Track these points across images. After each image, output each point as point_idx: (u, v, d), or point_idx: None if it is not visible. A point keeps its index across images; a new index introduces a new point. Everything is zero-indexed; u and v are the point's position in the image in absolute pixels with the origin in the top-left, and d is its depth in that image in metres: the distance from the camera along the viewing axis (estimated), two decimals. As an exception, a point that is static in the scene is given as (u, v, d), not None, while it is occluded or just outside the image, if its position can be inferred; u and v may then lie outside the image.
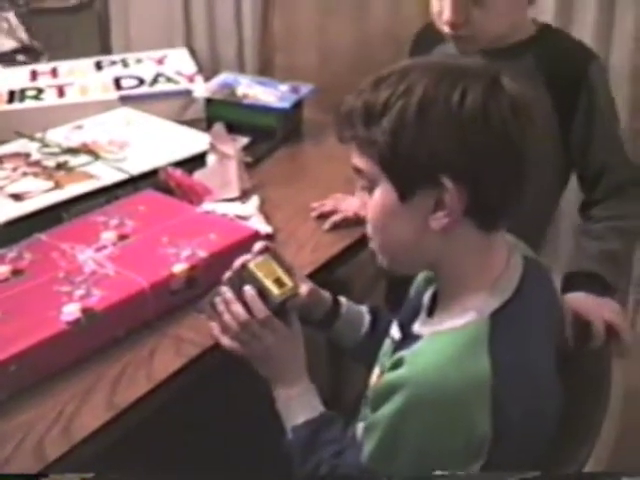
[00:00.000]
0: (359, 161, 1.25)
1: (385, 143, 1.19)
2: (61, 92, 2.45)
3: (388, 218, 1.25)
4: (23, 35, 2.89)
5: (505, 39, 1.80)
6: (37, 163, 2.02)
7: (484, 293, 1.25)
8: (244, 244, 1.58)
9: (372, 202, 1.26)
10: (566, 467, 1.31)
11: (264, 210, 1.90)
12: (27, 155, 2.06)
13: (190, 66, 2.62)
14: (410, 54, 2.03)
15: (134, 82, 2.50)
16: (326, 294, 1.58)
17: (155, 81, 2.51)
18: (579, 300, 1.60)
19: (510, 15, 1.76)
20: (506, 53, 1.78)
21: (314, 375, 1.48)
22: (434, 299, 1.36)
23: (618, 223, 1.75)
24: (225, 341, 1.42)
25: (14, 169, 1.99)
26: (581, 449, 1.33)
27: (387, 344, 1.44)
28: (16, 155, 2.07)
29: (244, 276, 1.42)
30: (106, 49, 3.40)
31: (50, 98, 2.42)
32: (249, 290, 1.40)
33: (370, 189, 1.26)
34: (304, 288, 1.52)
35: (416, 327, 1.34)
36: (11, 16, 2.94)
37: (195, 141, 2.10)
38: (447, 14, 1.75)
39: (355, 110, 1.23)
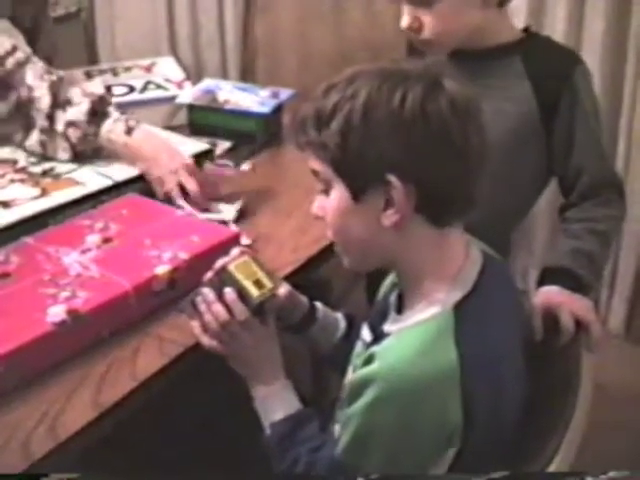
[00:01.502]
0: (315, 164, 1.31)
1: (335, 145, 1.25)
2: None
3: (344, 218, 1.31)
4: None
5: (483, 41, 1.84)
6: (24, 169, 2.04)
7: (445, 286, 1.29)
8: (225, 246, 1.61)
9: (328, 203, 1.32)
10: (534, 462, 1.34)
11: (245, 213, 1.94)
12: (14, 162, 2.09)
13: (178, 73, 2.66)
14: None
15: (124, 90, 2.54)
16: (303, 298, 1.61)
17: (145, 88, 2.54)
18: (550, 294, 1.63)
19: (460, 17, 1.79)
20: (494, 53, 1.84)
21: (297, 376, 1.51)
22: (400, 299, 1.40)
23: (594, 225, 1.77)
24: (205, 340, 1.45)
25: (2, 176, 2.01)
26: (549, 444, 1.35)
27: (359, 346, 1.47)
28: (3, 162, 2.09)
29: (224, 277, 1.45)
30: (93, 58, 3.43)
31: (42, 107, 2.44)
32: (230, 293, 1.43)
33: (326, 191, 1.32)
34: (283, 289, 1.56)
35: (386, 326, 1.38)
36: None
37: (179, 146, 2.11)
38: (404, 20, 1.82)
39: (307, 116, 1.29)
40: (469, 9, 1.79)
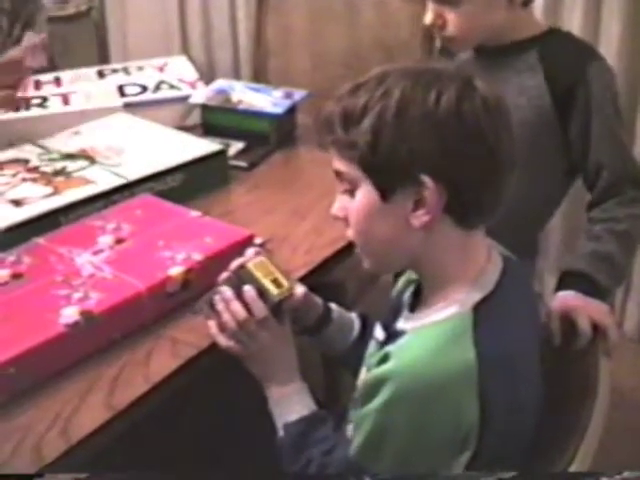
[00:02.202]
0: (339, 165, 1.30)
1: (365, 143, 1.24)
2: (66, 100, 2.47)
3: (371, 219, 1.29)
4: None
5: (503, 37, 1.86)
6: (36, 169, 2.03)
7: (466, 287, 1.28)
8: (239, 247, 1.60)
9: (354, 204, 1.30)
10: (552, 465, 1.33)
11: (259, 213, 1.93)
12: (26, 161, 2.08)
13: (191, 73, 2.64)
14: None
15: (137, 89, 2.52)
16: (318, 300, 1.60)
17: (158, 88, 2.53)
18: (567, 299, 1.62)
19: (486, 17, 1.81)
20: (509, 50, 1.85)
21: (310, 380, 1.49)
22: (415, 297, 1.39)
23: (615, 226, 1.76)
24: (222, 340, 1.44)
25: (14, 175, 2.01)
26: (567, 449, 1.34)
27: (372, 345, 1.47)
28: (15, 161, 2.08)
29: (242, 276, 1.45)
30: (104, 57, 3.43)
31: (55, 106, 2.44)
32: (249, 290, 1.42)
33: (351, 192, 1.30)
34: (298, 290, 1.54)
35: (400, 324, 1.37)
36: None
37: (191, 147, 2.12)
38: (428, 18, 1.83)
39: (334, 115, 1.28)
40: (495, 9, 1.81)
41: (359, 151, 1.25)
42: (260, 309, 1.42)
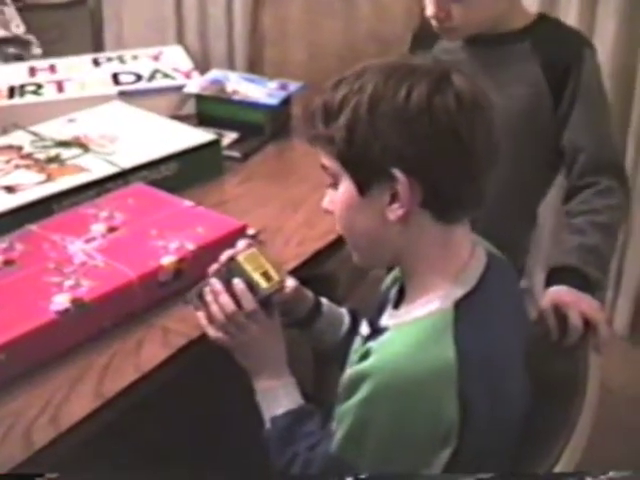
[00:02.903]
0: (323, 159, 1.31)
1: (342, 139, 1.25)
2: (60, 87, 2.47)
3: (351, 212, 1.31)
4: (17, 27, 2.90)
5: (497, 27, 1.86)
6: (29, 156, 2.03)
7: (448, 283, 1.28)
8: (231, 237, 1.60)
9: (336, 197, 1.31)
10: (540, 463, 1.33)
11: (252, 204, 1.93)
12: (20, 148, 2.08)
13: (186, 62, 2.64)
14: (410, 50, 2.09)
15: (132, 78, 2.52)
16: (309, 293, 1.60)
17: (152, 77, 2.53)
18: (559, 294, 1.62)
19: (489, 8, 1.82)
20: (503, 39, 1.86)
21: (300, 374, 1.50)
22: (400, 293, 1.39)
23: (596, 217, 1.76)
24: (211, 331, 1.44)
25: (7, 162, 2.00)
26: (556, 445, 1.34)
27: (357, 341, 1.47)
28: (9, 148, 2.08)
29: (232, 268, 1.45)
30: (99, 45, 3.43)
31: (50, 93, 2.44)
32: (239, 283, 1.42)
33: (335, 185, 1.31)
34: (288, 283, 1.54)
35: (383, 320, 1.37)
36: (8, 9, 2.95)
37: (185, 136, 2.12)
38: (430, 10, 1.82)
39: (316, 109, 1.29)
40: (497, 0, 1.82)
41: (337, 146, 1.26)
42: (249, 302, 1.42)
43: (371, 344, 1.30)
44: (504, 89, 1.77)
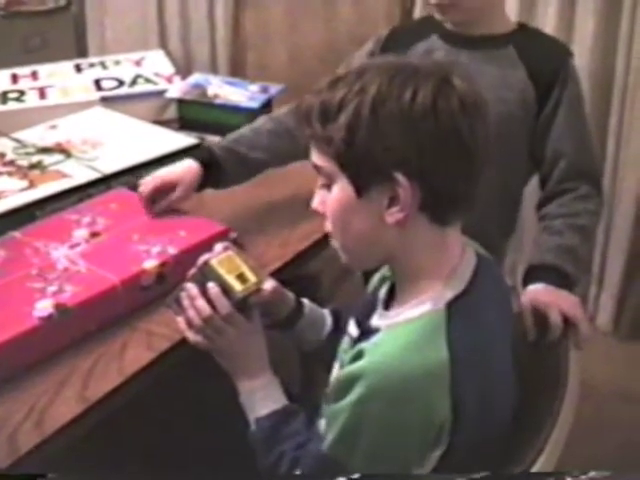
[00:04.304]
0: (317, 159, 1.29)
1: (341, 139, 1.22)
2: (42, 94, 2.48)
3: (346, 213, 1.28)
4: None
5: (480, 29, 1.87)
6: (12, 162, 2.04)
7: (439, 284, 1.28)
8: (214, 241, 1.58)
9: (330, 198, 1.29)
10: (520, 460, 1.33)
11: (234, 207, 1.94)
12: (2, 155, 2.09)
13: (168, 67, 2.66)
14: (382, 51, 2.01)
15: (114, 83, 2.54)
16: (290, 294, 1.60)
17: (134, 82, 2.54)
18: (538, 292, 1.63)
19: None
20: (486, 42, 1.87)
21: (286, 373, 1.51)
22: (390, 294, 1.39)
23: (574, 220, 1.77)
24: (190, 335, 1.45)
25: (-11, 169, 2.01)
26: (536, 442, 1.35)
27: (345, 341, 1.47)
28: (-9, 155, 2.09)
29: (206, 272, 1.45)
30: (82, 51, 3.43)
31: (32, 100, 2.45)
32: (213, 287, 1.42)
33: (328, 186, 1.29)
34: (268, 284, 1.55)
35: (374, 321, 1.37)
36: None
37: (167, 141, 2.13)
38: None
39: (313, 109, 1.26)
40: None
41: (335, 147, 1.24)
42: (223, 305, 1.42)
43: (363, 345, 1.29)
44: (491, 91, 1.78)
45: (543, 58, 1.87)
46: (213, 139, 2.24)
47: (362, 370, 1.23)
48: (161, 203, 1.80)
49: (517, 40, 1.87)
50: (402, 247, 1.29)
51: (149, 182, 1.81)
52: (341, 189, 1.27)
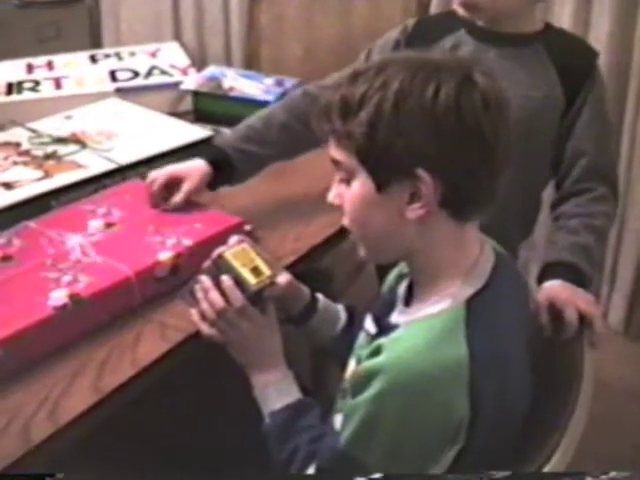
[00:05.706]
0: (337, 154, 1.28)
1: (362, 135, 1.22)
2: (58, 84, 2.48)
3: (366, 209, 1.28)
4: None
5: (509, 27, 1.86)
6: (27, 152, 2.04)
7: (458, 281, 1.28)
8: (228, 233, 1.60)
9: (350, 193, 1.29)
10: (533, 459, 1.32)
11: (249, 200, 1.94)
12: (17, 144, 2.09)
13: (183, 59, 2.65)
14: (408, 41, 1.98)
15: (129, 74, 2.53)
16: (305, 288, 1.60)
17: (150, 74, 2.54)
18: (554, 289, 1.62)
19: None
20: (514, 40, 1.86)
21: (297, 368, 1.50)
22: (409, 290, 1.38)
23: (590, 221, 1.77)
24: (204, 328, 1.45)
25: (5, 158, 2.01)
26: (550, 440, 1.34)
27: (362, 337, 1.46)
28: (7, 144, 2.09)
29: (220, 265, 1.45)
30: (96, 42, 3.43)
31: (47, 90, 2.45)
32: (227, 280, 1.42)
33: (348, 181, 1.29)
34: (283, 278, 1.55)
35: (393, 317, 1.37)
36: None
37: (182, 133, 2.12)
38: None
39: (333, 104, 1.26)
40: None
41: (356, 142, 1.23)
42: (237, 298, 1.42)
43: (382, 340, 1.28)
44: (519, 89, 1.77)
45: (572, 58, 1.86)
46: (227, 132, 2.24)
47: (381, 365, 1.22)
48: (173, 199, 1.79)
49: (546, 39, 1.87)
50: (422, 243, 1.29)
51: (157, 178, 1.81)
52: (361, 184, 1.26)
